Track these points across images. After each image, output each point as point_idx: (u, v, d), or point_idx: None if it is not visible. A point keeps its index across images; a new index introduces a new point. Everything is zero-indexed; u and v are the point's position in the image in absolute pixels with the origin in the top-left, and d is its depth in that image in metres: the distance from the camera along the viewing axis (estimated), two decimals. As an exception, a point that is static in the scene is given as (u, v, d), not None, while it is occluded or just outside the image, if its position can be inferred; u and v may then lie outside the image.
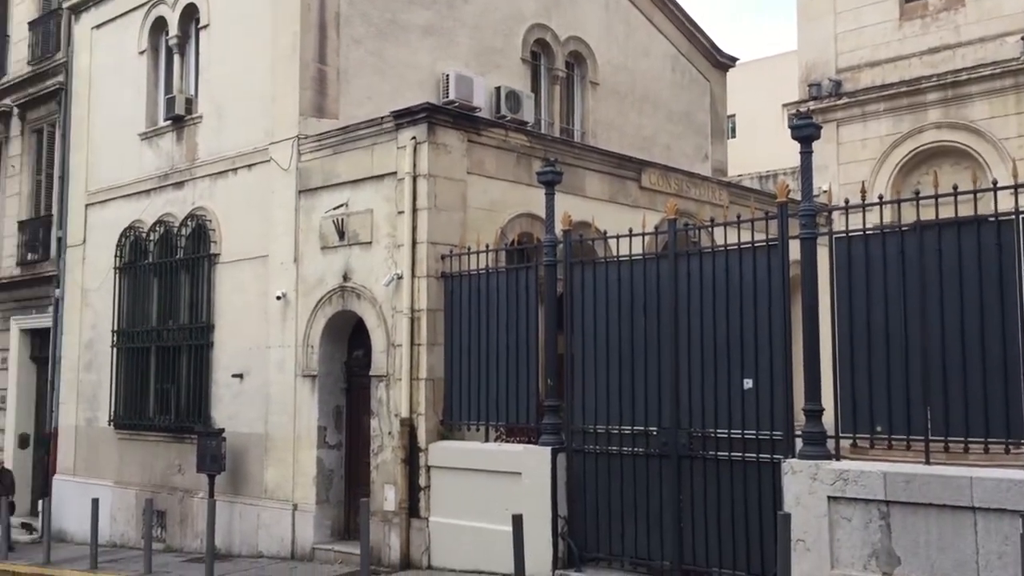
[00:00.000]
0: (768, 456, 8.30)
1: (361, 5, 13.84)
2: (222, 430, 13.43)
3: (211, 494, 13.17)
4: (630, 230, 9.74)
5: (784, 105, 23.21)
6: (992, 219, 7.34)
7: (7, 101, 19.89)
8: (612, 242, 10.02)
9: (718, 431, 8.70)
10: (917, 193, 7.82)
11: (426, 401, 11.15)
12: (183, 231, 14.90)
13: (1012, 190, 7.27)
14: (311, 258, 12.75)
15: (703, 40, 19.82)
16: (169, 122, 15.54)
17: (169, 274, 15.11)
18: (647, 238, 10.06)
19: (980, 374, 7.25)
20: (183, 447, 14.36)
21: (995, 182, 7.70)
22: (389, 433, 11.44)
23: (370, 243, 11.95)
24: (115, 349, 15.90)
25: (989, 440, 7.18)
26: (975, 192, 7.39)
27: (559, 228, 10.25)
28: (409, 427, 11.16)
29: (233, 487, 13.47)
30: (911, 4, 17.62)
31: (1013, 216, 7.19)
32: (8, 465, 18.49)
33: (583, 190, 13.02)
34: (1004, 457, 7.30)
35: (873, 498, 7.33)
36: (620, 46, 18.01)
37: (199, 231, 14.66)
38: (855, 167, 17.69)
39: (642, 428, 9.28)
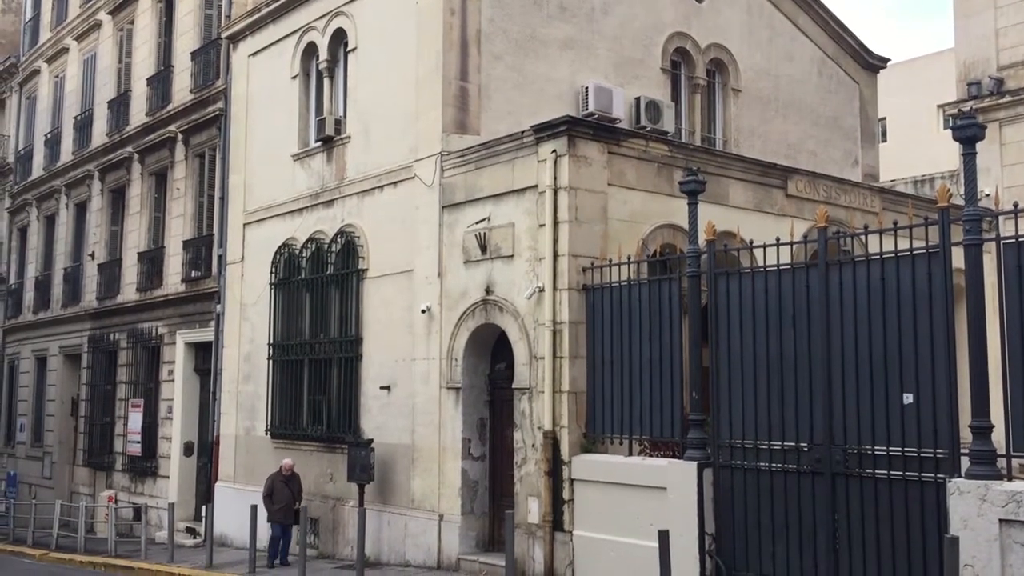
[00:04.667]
0: (931, 475, 7.86)
1: (501, 22, 14.03)
2: (371, 440, 13.80)
3: (361, 503, 13.54)
4: (777, 239, 9.45)
5: (940, 106, 22.13)
6: None
7: (172, 127, 21.16)
8: (758, 252, 9.75)
9: (875, 448, 8.30)
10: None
11: (569, 414, 11.13)
12: (333, 247, 15.44)
13: None
14: (454, 272, 12.97)
15: (851, 41, 19.10)
16: (319, 143, 16.16)
17: (320, 289, 15.68)
18: (794, 248, 9.75)
19: None
20: (334, 456, 14.83)
21: None
22: (532, 446, 11.47)
23: (512, 256, 12.06)
24: (271, 361, 16.60)
25: None
26: None
27: (702, 238, 10.06)
28: (552, 440, 11.16)
29: (381, 496, 13.82)
30: (1082, -7, 16.45)
31: None
32: (173, 473, 19.58)
33: (726, 199, 12.75)
34: None
35: (1050, 522, 6.83)
36: (763, 51, 17.58)
37: (348, 247, 15.16)
38: (1020, 169, 16.62)
39: (792, 444, 8.96)
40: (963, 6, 17.75)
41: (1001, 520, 7.08)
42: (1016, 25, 17.00)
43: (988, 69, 17.33)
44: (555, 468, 11.11)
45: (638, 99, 15.12)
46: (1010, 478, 7.39)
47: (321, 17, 16.30)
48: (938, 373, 7.97)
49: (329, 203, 15.74)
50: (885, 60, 19.93)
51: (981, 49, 17.48)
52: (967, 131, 7.86)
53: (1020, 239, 7.58)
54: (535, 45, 14.38)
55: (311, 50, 16.68)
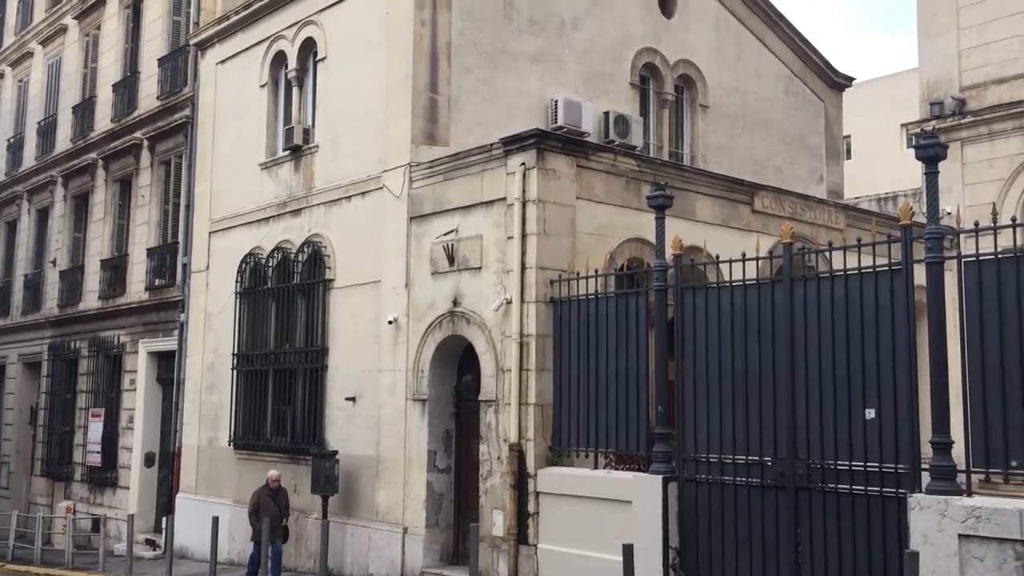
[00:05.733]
0: (893, 490, 7.94)
1: (471, 35, 14.05)
2: (335, 452, 13.69)
3: (324, 515, 13.42)
4: (743, 254, 9.53)
5: (904, 125, 22.43)
6: None
7: (138, 134, 20.94)
8: (724, 267, 9.82)
9: (838, 462, 8.37)
10: (1054, 214, 7.40)
11: (535, 427, 11.12)
12: (300, 257, 15.34)
13: None
14: (422, 283, 12.93)
15: (817, 60, 19.36)
16: (287, 152, 16.06)
17: (286, 299, 15.56)
18: (760, 263, 9.83)
19: None
20: (298, 468, 14.69)
21: None
22: (498, 458, 11.44)
23: (480, 268, 12.05)
24: (235, 372, 16.44)
25: None
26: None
27: (669, 253, 10.11)
28: (518, 452, 11.14)
29: (346, 509, 13.70)
30: (1041, 17, 16.78)
31: None
32: (133, 484, 19.29)
33: (693, 214, 12.84)
34: None
35: (1008, 537, 6.91)
36: (731, 68, 17.75)
37: (315, 257, 15.06)
38: (981, 188, 16.89)
39: (757, 458, 9.01)
40: (927, 27, 18.05)
41: (960, 535, 7.16)
42: (978, 47, 17.32)
43: (951, 89, 17.62)
44: (520, 481, 11.09)
45: (607, 113, 15.21)
46: (970, 493, 7.47)
47: (291, 26, 16.22)
48: (899, 389, 8.06)
49: (296, 212, 15.64)
50: (850, 79, 20.22)
51: (944, 70, 17.77)
52: (929, 151, 7.98)
53: (980, 258, 7.69)
54: (505, 58, 14.42)
55: (280, 59, 16.59)
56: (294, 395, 15.14)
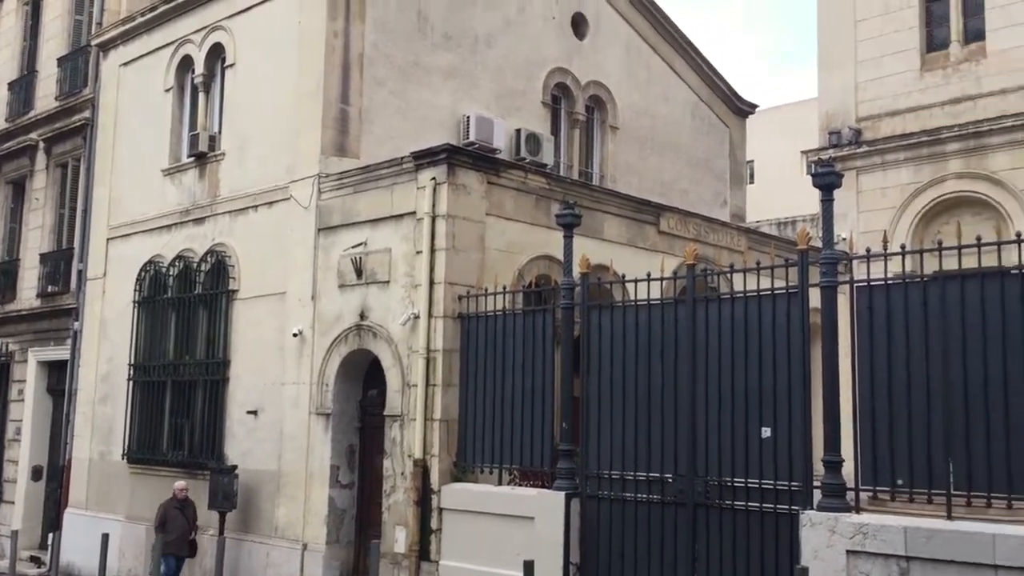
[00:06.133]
0: (786, 507, 8.17)
1: (385, 47, 14.00)
2: (235, 467, 13.37)
3: (221, 531, 13.07)
4: (648, 274, 9.71)
5: (804, 152, 23.24)
6: (1016, 272, 7.26)
7: (33, 135, 20.16)
8: (630, 286, 9.98)
9: (735, 480, 8.58)
10: (939, 243, 7.76)
11: (440, 442, 11.07)
12: (202, 267, 14.97)
13: (1034, 243, 7.20)
14: (328, 296, 12.76)
15: (723, 87, 19.91)
16: (192, 159, 15.69)
17: (187, 309, 15.15)
18: (665, 283, 10.03)
19: (1003, 428, 7.13)
20: (196, 483, 14.27)
21: (1019, 234, 7.62)
22: (402, 474, 11.35)
23: (388, 282, 11.97)
24: (131, 383, 15.91)
25: (1013, 496, 7.04)
26: (999, 244, 7.32)
27: (577, 271, 10.23)
28: (422, 468, 11.07)
29: (244, 525, 13.38)
30: (932, 55, 17.64)
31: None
32: (19, 498, 18.46)
33: (601, 233, 13.02)
34: (1028, 514, 7.15)
35: (893, 553, 7.19)
36: (641, 91, 18.12)
37: (218, 267, 14.72)
38: (875, 216, 17.59)
39: (657, 475, 9.17)
40: (826, 59, 18.75)
41: (848, 551, 7.41)
42: (874, 80, 18.06)
43: (848, 120, 18.33)
44: (424, 497, 11.02)
45: (519, 131, 15.32)
46: (858, 510, 7.74)
47: (199, 31, 15.88)
48: (794, 408, 8.31)
49: (200, 221, 15.27)
50: (754, 106, 20.85)
51: (842, 101, 18.48)
52: (825, 179, 8.29)
53: (872, 283, 8.01)
54: (419, 72, 14.41)
55: (187, 63, 16.22)
56: (193, 408, 14.73)
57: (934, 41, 17.71)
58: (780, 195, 30.23)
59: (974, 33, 17.17)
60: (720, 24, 70.98)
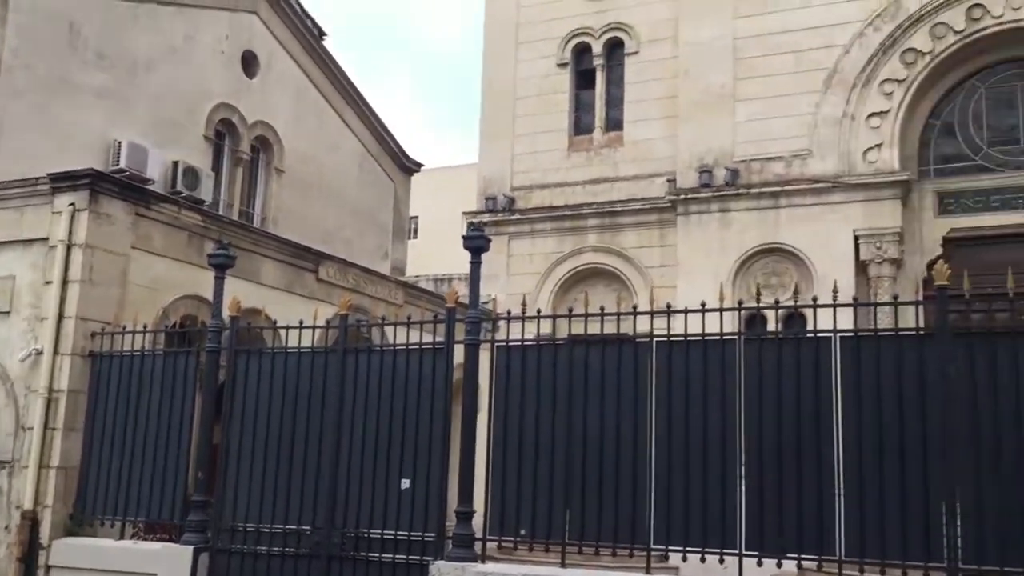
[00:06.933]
0: (418, 558, 8.34)
1: (27, 56, 12.79)
2: None
3: None
4: (300, 322, 9.59)
5: (464, 213, 24.40)
6: (634, 340, 8.09)
7: None
8: (282, 333, 9.80)
9: (371, 531, 8.63)
10: (571, 310, 8.47)
11: (55, 492, 10.04)
12: None
13: (649, 315, 8.10)
14: (-67, 324, 11.20)
15: (391, 143, 20.46)
16: None
17: None
18: (319, 332, 9.96)
19: (614, 482, 7.84)
20: None
21: (635, 307, 8.53)
22: (6, 527, 10.12)
23: (8, 312, 10.76)
24: None
25: (617, 545, 7.73)
26: (619, 314, 8.13)
27: (227, 314, 9.87)
28: (32, 520, 9.95)
29: None
30: (578, 138, 19.42)
31: (648, 339, 7.98)
32: None
33: (258, 277, 12.70)
34: (629, 560, 7.89)
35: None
36: (309, 137, 18.10)
37: None
38: (523, 279, 18.87)
39: (295, 527, 8.98)
40: (488, 130, 19.96)
41: (475, 599, 7.71)
42: (528, 154, 19.50)
43: (504, 188, 19.59)
44: (31, 552, 9.89)
45: (176, 163, 14.64)
46: (483, 560, 8.10)
47: None
48: (433, 461, 8.56)
49: None
50: (420, 164, 21.63)
51: (499, 169, 19.74)
52: (475, 242, 8.75)
53: (511, 343, 8.53)
54: (67, 89, 13.31)
55: None
56: None
57: (581, 125, 19.53)
58: (441, 252, 31.42)
59: (614, 122, 19.18)
60: (394, 91, 73.19)
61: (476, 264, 8.83)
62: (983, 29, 16.28)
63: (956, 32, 16.39)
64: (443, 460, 8.54)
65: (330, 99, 18.60)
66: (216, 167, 16.03)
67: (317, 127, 18.24)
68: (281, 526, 9.04)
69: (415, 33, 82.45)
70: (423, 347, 8.88)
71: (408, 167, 21.03)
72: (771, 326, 15.20)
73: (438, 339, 8.87)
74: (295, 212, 17.54)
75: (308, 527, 8.94)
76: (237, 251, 10.64)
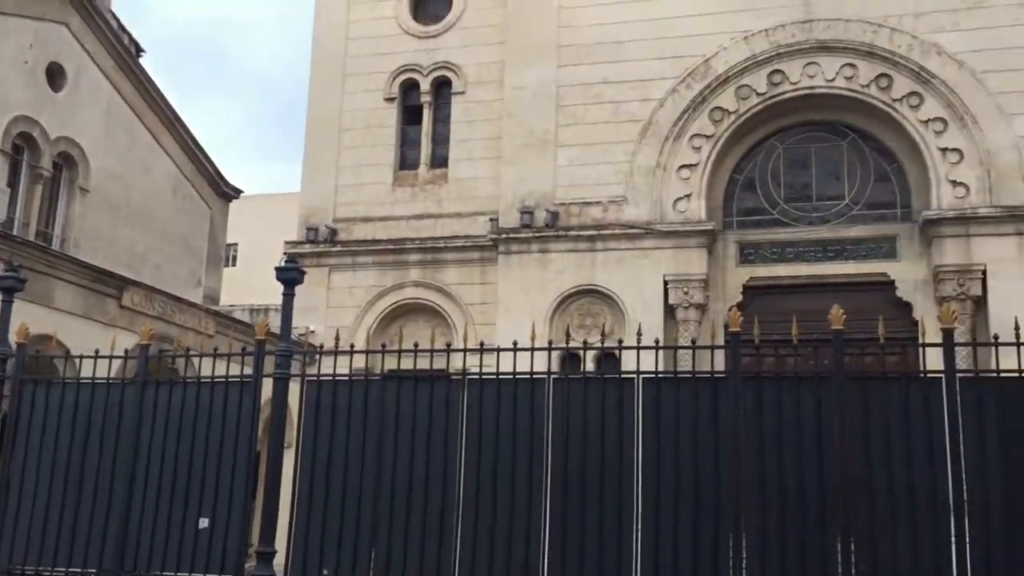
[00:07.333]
0: (215, 600, 7.97)
1: None
2: None
3: None
4: (96, 351, 9.04)
5: (285, 243, 23.87)
6: (452, 376, 8.10)
7: None
8: (78, 362, 9.20)
9: (164, 572, 8.17)
10: (384, 346, 8.40)
11: None
12: None
13: (462, 352, 8.16)
14: None
15: (210, 168, 19.79)
16: None
17: None
18: (118, 362, 9.42)
19: (421, 520, 7.78)
20: None
21: (449, 344, 8.56)
22: None
23: None
24: None
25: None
26: (431, 351, 8.13)
27: (13, 340, 9.17)
28: None
29: None
30: (403, 173, 19.45)
31: (461, 376, 8.01)
32: None
33: (52, 301, 11.95)
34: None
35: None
36: (119, 157, 17.23)
37: None
38: (343, 312, 18.59)
39: (80, 570, 8.38)
40: (311, 159, 19.67)
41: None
42: (350, 186, 19.35)
43: (326, 219, 19.31)
44: None
45: (-34, 177, 13.59)
46: (285, 601, 7.84)
47: None
48: (235, 499, 8.22)
49: None
50: (239, 191, 21.00)
51: (322, 200, 19.46)
52: (288, 274, 8.53)
53: (322, 378, 8.35)
54: None
55: None
56: None
57: (407, 160, 19.60)
58: (262, 281, 30.47)
59: (440, 160, 19.36)
60: (226, 116, 71.05)
61: (289, 296, 8.61)
62: (782, 93, 17.56)
63: (759, 94, 17.59)
64: (245, 498, 8.22)
65: (144, 118, 17.79)
66: (13, 182, 14.96)
67: (128, 147, 17.38)
68: (63, 568, 8.42)
69: (246, 57, 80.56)
70: (229, 380, 8.55)
71: (227, 193, 20.37)
72: (587, 366, 15.64)
73: (246, 373, 8.58)
74: (101, 234, 16.60)
75: (94, 569, 8.37)
76: (30, 273, 9.97)
